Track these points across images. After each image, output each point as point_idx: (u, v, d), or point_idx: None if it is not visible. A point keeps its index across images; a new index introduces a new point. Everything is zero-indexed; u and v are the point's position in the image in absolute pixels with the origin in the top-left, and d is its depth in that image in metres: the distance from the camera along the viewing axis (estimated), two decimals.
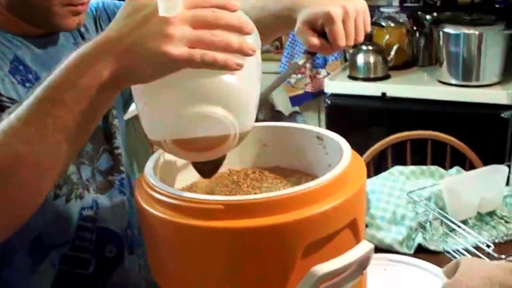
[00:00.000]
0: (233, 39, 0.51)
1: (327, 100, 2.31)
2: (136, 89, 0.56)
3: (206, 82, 0.52)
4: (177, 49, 0.48)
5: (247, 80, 0.55)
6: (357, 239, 0.61)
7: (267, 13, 0.84)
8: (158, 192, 0.58)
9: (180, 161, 0.72)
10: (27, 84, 0.72)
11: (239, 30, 0.52)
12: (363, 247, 0.59)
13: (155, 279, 0.63)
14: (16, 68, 0.72)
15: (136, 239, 0.89)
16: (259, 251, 0.55)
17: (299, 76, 2.68)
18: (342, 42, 0.75)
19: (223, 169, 0.73)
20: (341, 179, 0.59)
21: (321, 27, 0.76)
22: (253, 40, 0.55)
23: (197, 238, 0.55)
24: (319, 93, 2.65)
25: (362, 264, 0.61)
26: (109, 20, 0.88)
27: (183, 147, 0.56)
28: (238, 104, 0.54)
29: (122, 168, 0.87)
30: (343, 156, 0.63)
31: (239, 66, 0.51)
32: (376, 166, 1.65)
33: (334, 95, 2.30)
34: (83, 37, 0.84)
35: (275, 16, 0.85)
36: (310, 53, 0.80)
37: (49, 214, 0.74)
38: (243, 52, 0.51)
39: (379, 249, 1.13)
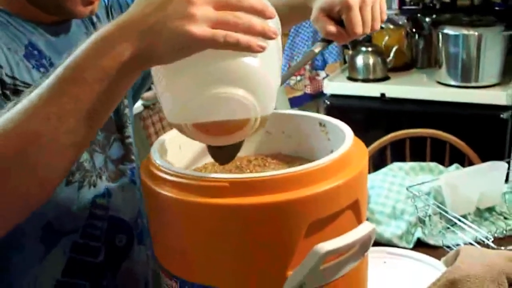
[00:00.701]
0: (256, 21, 0.51)
1: (326, 101, 2.32)
2: (157, 72, 0.56)
3: (228, 63, 0.52)
4: (200, 29, 0.48)
5: (268, 64, 0.55)
6: (358, 221, 0.62)
7: (282, 2, 0.85)
8: (164, 172, 0.59)
9: (184, 147, 0.73)
10: (41, 69, 0.72)
11: (262, 14, 0.52)
12: (365, 227, 0.59)
13: (159, 260, 0.64)
14: (31, 53, 0.72)
15: (146, 229, 0.89)
16: (263, 228, 0.55)
17: (298, 77, 2.70)
18: (359, 29, 0.76)
19: None
20: (343, 161, 0.60)
21: (338, 15, 0.77)
22: (274, 25, 0.55)
23: (202, 215, 0.56)
24: (319, 94, 2.66)
25: (364, 246, 0.61)
26: (121, 10, 0.89)
27: (203, 131, 0.56)
28: (259, 87, 0.54)
29: (133, 157, 0.87)
30: (346, 139, 0.64)
31: (262, 48, 0.51)
32: (376, 164, 1.66)
33: (334, 96, 2.32)
34: (94, 26, 0.85)
35: (290, 5, 0.86)
36: (326, 41, 0.81)
37: (60, 200, 0.74)
38: (265, 35, 0.51)
39: (378, 243, 1.14)
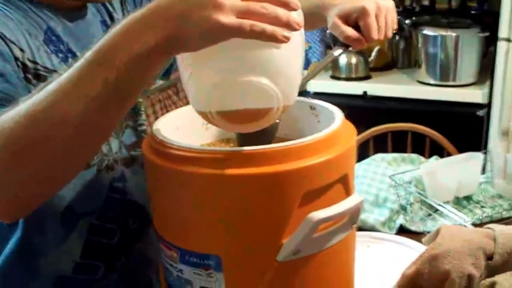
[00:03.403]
0: (281, 12, 0.52)
1: (309, 98, 2.37)
2: (183, 59, 0.57)
3: (254, 52, 0.53)
4: (227, 18, 0.50)
5: (292, 55, 0.56)
6: (347, 194, 0.66)
7: None
8: (166, 146, 0.62)
9: (181, 129, 0.76)
10: (60, 55, 0.74)
11: (286, 5, 0.53)
12: (354, 199, 0.64)
13: (159, 232, 0.67)
14: (49, 38, 0.74)
15: None
16: (260, 198, 0.59)
17: None
18: (375, 35, 0.82)
19: (222, 138, 0.77)
20: (334, 137, 0.64)
21: (354, 21, 0.82)
22: (298, 16, 0.56)
23: (202, 186, 0.59)
24: (302, 92, 2.71)
25: (352, 217, 0.66)
26: (135, 3, 0.91)
27: (227, 119, 0.58)
28: (282, 77, 0.55)
29: None
30: (336, 118, 0.68)
31: (286, 39, 0.52)
32: (358, 157, 1.71)
33: (317, 94, 2.37)
34: (110, 16, 0.86)
35: (303, 13, 0.91)
36: (345, 45, 0.85)
37: (80, 183, 0.76)
38: (290, 26, 0.52)
39: (362, 229, 1.19)
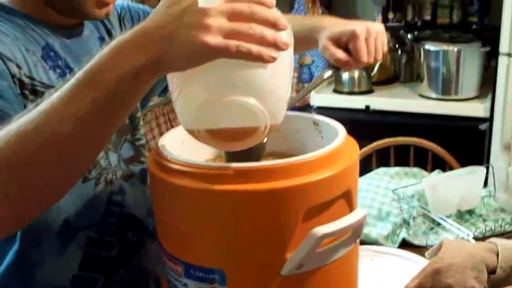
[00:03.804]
0: (268, 32, 0.52)
1: (313, 112, 2.39)
2: (172, 79, 0.58)
3: (240, 72, 0.54)
4: (214, 39, 0.50)
5: (279, 74, 0.57)
6: (350, 209, 0.67)
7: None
8: (171, 162, 0.63)
9: (186, 144, 0.77)
10: (58, 70, 0.76)
11: (274, 25, 0.53)
12: (357, 213, 0.65)
13: (164, 246, 0.68)
14: (47, 54, 0.75)
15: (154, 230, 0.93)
16: (265, 213, 0.60)
17: None
18: (365, 58, 0.83)
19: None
20: (337, 153, 0.65)
21: (345, 44, 0.84)
22: (287, 36, 0.56)
23: (208, 201, 0.60)
24: (305, 107, 2.73)
25: (356, 231, 0.67)
26: (133, 21, 0.93)
27: (215, 137, 0.59)
28: (269, 96, 0.56)
29: (142, 159, 0.90)
30: (339, 134, 0.70)
31: (273, 59, 0.52)
32: (361, 171, 1.72)
33: (320, 108, 2.38)
34: (109, 32, 0.88)
35: (295, 36, 0.93)
36: (335, 68, 0.87)
37: (77, 197, 0.77)
38: (277, 46, 0.53)
39: (365, 243, 1.19)
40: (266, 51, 0.52)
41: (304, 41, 0.91)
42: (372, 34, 0.84)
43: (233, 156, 0.68)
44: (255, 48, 0.52)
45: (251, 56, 0.52)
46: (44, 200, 0.60)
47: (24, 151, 0.55)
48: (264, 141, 0.69)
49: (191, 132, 0.60)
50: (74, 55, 0.79)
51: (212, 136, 0.59)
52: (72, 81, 0.55)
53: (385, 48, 0.87)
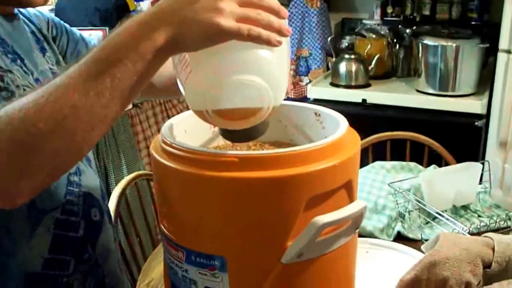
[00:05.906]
0: (274, 19, 0.58)
1: None
2: (181, 60, 0.62)
3: (248, 54, 0.58)
4: (227, 22, 0.55)
5: (282, 58, 0.62)
6: (351, 199, 0.67)
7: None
8: (176, 148, 0.63)
9: (189, 131, 0.77)
10: (9, 55, 0.77)
11: (277, 13, 0.59)
12: (358, 204, 0.65)
13: (165, 232, 0.68)
14: None
15: (109, 212, 0.97)
16: (267, 201, 0.60)
17: None
18: None
19: (228, 142, 0.79)
20: (339, 144, 0.65)
21: None
22: (286, 24, 0.62)
23: (211, 188, 0.60)
24: (302, 99, 2.73)
25: (356, 222, 0.67)
26: (56, 28, 0.93)
27: (223, 117, 0.62)
28: (273, 78, 0.60)
29: None
30: (340, 125, 0.70)
31: (279, 43, 0.57)
32: None
33: (317, 101, 2.38)
34: (39, 30, 0.89)
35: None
36: None
37: None
38: (281, 32, 0.58)
39: (360, 235, 1.20)
40: (274, 36, 0.57)
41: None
42: None
43: (234, 135, 0.69)
44: (264, 32, 0.57)
45: (261, 40, 0.56)
46: (69, 162, 0.62)
47: (43, 123, 0.56)
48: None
49: (199, 113, 0.62)
50: (16, 41, 0.80)
51: (220, 116, 0.62)
52: (89, 59, 0.57)
53: None
